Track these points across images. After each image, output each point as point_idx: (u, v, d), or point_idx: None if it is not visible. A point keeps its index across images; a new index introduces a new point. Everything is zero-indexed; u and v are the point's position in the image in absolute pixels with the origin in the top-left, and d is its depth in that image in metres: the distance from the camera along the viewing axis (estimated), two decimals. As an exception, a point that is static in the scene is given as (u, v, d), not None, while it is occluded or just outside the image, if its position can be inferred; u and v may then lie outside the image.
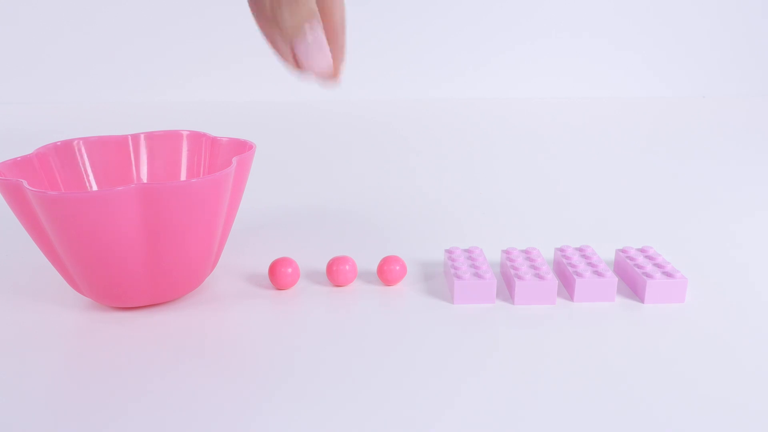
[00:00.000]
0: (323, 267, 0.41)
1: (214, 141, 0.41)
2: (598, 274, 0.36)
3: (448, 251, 0.39)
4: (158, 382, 0.28)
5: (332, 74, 0.34)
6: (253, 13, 0.33)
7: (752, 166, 0.68)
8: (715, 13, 1.17)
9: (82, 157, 0.40)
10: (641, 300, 0.36)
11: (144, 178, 0.42)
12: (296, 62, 0.33)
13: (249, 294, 0.37)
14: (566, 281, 0.37)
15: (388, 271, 0.37)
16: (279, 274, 0.37)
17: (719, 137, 0.84)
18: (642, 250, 0.39)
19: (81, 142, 0.40)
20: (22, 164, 0.36)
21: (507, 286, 0.37)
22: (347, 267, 0.37)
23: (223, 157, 0.41)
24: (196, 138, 0.42)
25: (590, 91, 1.18)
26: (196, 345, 0.31)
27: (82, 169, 0.40)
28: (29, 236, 0.34)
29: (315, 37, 0.32)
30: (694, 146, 0.78)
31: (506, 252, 0.39)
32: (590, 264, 0.37)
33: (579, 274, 0.36)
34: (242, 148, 0.39)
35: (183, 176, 0.42)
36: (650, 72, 1.19)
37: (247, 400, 0.27)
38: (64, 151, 0.39)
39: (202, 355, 0.30)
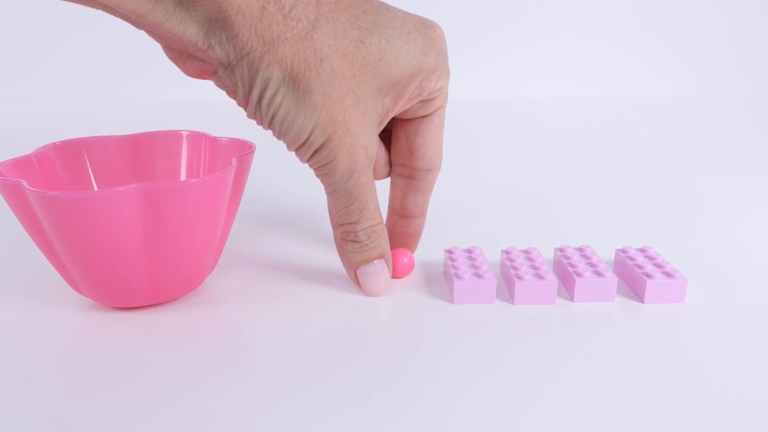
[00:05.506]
0: (323, 266, 0.41)
1: (214, 141, 0.41)
2: (598, 274, 0.36)
3: (448, 251, 0.39)
4: (158, 382, 0.28)
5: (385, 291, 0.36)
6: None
7: (752, 166, 0.68)
8: (716, 13, 1.17)
9: (82, 157, 0.40)
10: (641, 300, 0.36)
11: (144, 178, 0.42)
12: (357, 282, 0.36)
13: (249, 294, 0.37)
14: (566, 281, 0.37)
15: (396, 265, 0.38)
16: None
17: (719, 137, 0.84)
18: (642, 250, 0.39)
19: (81, 142, 0.40)
20: (22, 164, 0.36)
21: (507, 286, 0.37)
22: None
23: (223, 157, 0.41)
24: (196, 138, 0.42)
25: (590, 91, 1.18)
26: (196, 345, 0.31)
27: (83, 169, 0.40)
28: (29, 236, 0.34)
29: (380, 267, 0.36)
30: (694, 146, 0.78)
31: (506, 252, 0.39)
32: (590, 264, 0.37)
33: (579, 274, 0.36)
34: (242, 148, 0.39)
35: (183, 176, 0.42)
36: (650, 72, 1.19)
37: (246, 400, 0.27)
38: (64, 151, 0.39)
39: (201, 355, 0.30)
